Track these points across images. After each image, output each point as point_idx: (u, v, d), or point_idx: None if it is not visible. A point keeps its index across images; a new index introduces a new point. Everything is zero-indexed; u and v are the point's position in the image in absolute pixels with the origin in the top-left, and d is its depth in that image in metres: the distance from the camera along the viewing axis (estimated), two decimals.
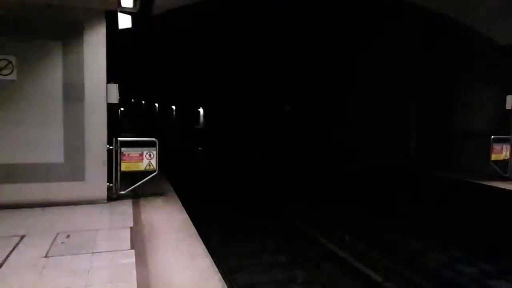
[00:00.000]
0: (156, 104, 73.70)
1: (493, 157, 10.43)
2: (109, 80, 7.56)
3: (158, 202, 7.91)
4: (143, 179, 7.95)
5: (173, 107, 60.20)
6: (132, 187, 7.91)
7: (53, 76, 7.18)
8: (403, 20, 14.68)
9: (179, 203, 7.83)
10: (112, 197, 7.67)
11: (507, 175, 10.58)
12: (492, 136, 10.39)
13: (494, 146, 10.39)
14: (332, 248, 8.69)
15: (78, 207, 7.09)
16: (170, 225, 6.36)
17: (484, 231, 9.32)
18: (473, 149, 12.05)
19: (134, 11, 7.63)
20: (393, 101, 15.51)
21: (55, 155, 7.24)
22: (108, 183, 7.59)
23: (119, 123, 33.63)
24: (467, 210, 10.40)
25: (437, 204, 11.25)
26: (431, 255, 8.52)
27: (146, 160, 7.80)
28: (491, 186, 10.06)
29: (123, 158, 7.64)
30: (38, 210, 6.84)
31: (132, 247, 5.16)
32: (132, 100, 79.53)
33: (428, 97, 14.12)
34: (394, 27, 15.40)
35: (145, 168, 7.83)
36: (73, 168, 7.33)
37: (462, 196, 10.73)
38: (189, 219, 6.72)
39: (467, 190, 10.69)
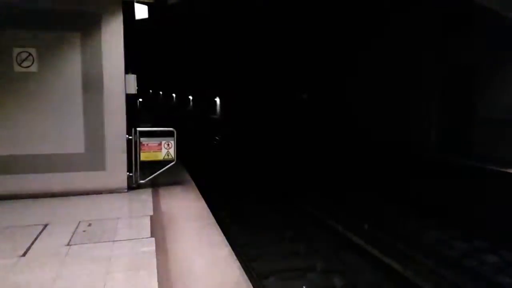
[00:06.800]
0: (174, 95, 74.26)
1: None
2: (127, 70, 7.61)
3: (177, 191, 7.98)
4: (161, 168, 8.04)
5: (190, 97, 60.51)
6: (152, 176, 7.99)
7: (72, 67, 7.25)
8: (425, 2, 14.28)
9: (197, 192, 7.88)
10: (132, 186, 7.77)
11: None
12: None
13: None
14: None
15: (99, 196, 7.22)
16: (189, 214, 6.42)
17: None
18: (497, 136, 11.72)
19: (151, 1, 7.63)
20: (417, 88, 15.18)
21: (76, 145, 7.34)
22: (128, 173, 7.69)
23: (138, 113, 33.98)
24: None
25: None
26: None
27: (164, 149, 7.87)
28: None
29: (142, 148, 7.72)
30: (60, 200, 6.98)
31: (152, 235, 5.23)
32: (150, 90, 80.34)
33: (451, 83, 13.77)
34: (414, 10, 15.01)
35: (163, 158, 7.90)
36: (93, 158, 7.43)
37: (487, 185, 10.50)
38: (207, 207, 6.77)
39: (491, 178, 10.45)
